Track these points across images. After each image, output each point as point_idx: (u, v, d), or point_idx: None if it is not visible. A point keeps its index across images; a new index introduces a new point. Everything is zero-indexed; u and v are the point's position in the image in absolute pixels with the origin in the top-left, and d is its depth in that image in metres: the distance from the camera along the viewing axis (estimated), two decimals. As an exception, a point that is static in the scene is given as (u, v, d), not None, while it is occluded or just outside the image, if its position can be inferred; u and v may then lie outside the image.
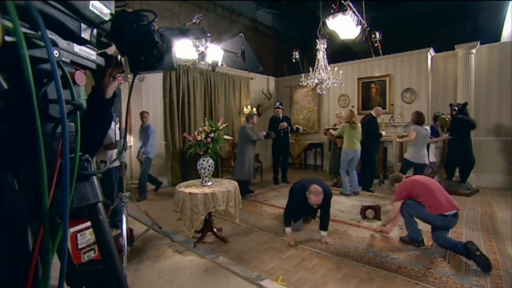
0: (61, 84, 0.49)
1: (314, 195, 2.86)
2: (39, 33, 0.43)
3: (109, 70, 0.73)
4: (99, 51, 0.64)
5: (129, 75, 0.77)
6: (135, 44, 0.63)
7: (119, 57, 0.72)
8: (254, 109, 7.39)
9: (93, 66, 0.62)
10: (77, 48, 0.56)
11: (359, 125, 4.91)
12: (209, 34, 0.82)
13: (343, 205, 4.37)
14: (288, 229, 3.05)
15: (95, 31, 0.58)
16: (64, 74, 0.51)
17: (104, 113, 0.79)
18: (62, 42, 0.52)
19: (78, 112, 0.56)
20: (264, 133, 5.28)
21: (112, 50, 0.71)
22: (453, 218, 2.68)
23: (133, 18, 0.61)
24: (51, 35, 0.50)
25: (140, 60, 0.67)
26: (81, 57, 0.58)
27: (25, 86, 0.43)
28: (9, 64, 0.43)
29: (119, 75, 0.77)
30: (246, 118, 5.21)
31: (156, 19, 0.64)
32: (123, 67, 0.75)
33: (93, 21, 0.55)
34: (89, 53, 0.60)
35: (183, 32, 0.75)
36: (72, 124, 0.56)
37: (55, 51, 0.47)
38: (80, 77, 0.56)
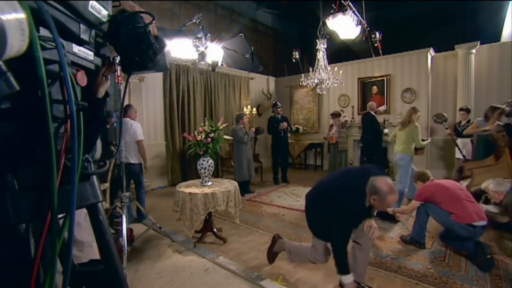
0: (66, 86, 0.49)
1: (394, 194, 1.78)
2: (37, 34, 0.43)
3: (102, 70, 0.74)
4: (94, 51, 0.64)
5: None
6: (131, 45, 0.63)
7: (116, 58, 0.72)
8: (254, 109, 7.38)
9: (92, 66, 0.63)
10: (75, 48, 0.56)
11: (412, 125, 3.96)
12: (199, 35, 0.83)
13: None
14: (349, 278, 1.84)
15: (93, 32, 0.59)
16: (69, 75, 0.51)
17: (96, 112, 0.80)
18: (64, 43, 0.53)
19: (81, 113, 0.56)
20: (254, 129, 5.28)
21: (106, 50, 0.71)
22: (481, 230, 2.48)
23: (130, 19, 0.61)
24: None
25: (134, 60, 0.67)
26: (80, 57, 0.58)
27: (32, 87, 0.44)
28: (16, 65, 0.43)
29: (117, 74, 0.78)
30: (236, 120, 5.20)
31: (153, 21, 0.64)
32: (115, 67, 0.75)
33: (92, 22, 0.55)
34: (88, 54, 0.60)
35: (175, 33, 0.76)
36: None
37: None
38: (82, 77, 0.56)
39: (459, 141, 4.77)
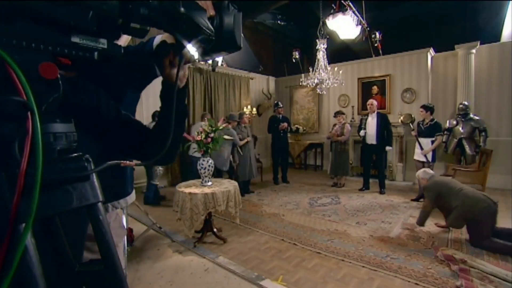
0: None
1: None
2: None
3: (166, 60, 0.67)
4: (109, 39, 0.58)
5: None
6: (170, 29, 0.55)
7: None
8: (254, 109, 7.39)
9: (94, 56, 0.57)
10: (76, 38, 0.52)
11: None
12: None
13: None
14: None
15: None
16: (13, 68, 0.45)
17: (176, 104, 0.69)
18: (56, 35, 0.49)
19: (36, 111, 0.49)
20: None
21: (124, 39, 0.65)
22: None
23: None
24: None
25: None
26: (81, 47, 0.53)
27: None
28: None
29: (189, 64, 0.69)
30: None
31: None
32: (187, 54, 0.64)
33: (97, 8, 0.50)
34: (98, 42, 0.54)
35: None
36: (62, 124, 0.52)
37: None
38: (47, 69, 0.49)
39: (421, 141, 4.50)
